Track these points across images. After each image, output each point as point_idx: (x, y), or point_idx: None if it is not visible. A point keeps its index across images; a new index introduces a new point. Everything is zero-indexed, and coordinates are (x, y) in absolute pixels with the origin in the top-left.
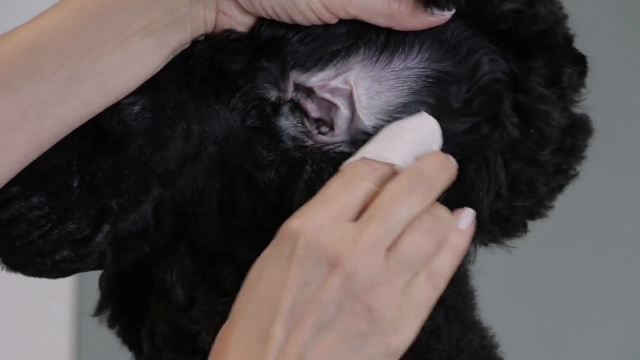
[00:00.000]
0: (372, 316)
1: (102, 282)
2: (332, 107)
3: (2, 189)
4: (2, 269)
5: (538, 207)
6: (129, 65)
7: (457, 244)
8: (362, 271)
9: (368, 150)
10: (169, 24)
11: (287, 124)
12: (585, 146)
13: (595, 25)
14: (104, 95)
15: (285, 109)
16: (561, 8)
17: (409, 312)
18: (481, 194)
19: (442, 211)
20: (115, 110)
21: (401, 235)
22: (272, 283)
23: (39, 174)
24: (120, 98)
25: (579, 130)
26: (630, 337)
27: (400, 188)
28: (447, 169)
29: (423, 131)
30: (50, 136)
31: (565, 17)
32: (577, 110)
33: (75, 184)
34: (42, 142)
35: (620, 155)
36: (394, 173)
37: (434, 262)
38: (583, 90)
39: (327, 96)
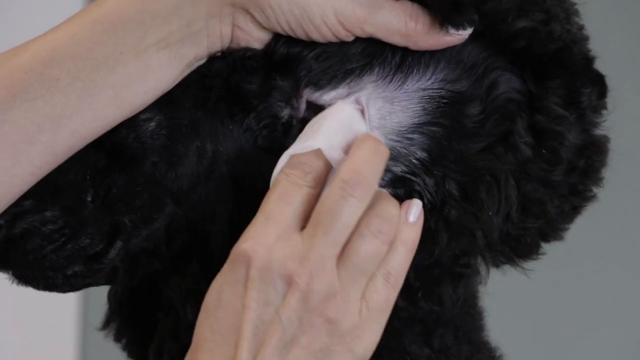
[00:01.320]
0: (331, 327)
1: (111, 296)
2: None
3: (15, 202)
4: (13, 282)
5: (549, 229)
6: (143, 77)
7: (409, 238)
8: (317, 285)
9: (292, 149)
10: (184, 37)
11: None
12: (601, 167)
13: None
14: (118, 107)
15: (295, 131)
16: (581, 29)
17: (369, 316)
18: (490, 213)
19: (389, 206)
20: (131, 125)
21: (350, 240)
22: (232, 309)
23: (52, 187)
24: (136, 111)
25: (594, 151)
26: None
27: (336, 195)
28: (378, 154)
29: (341, 116)
30: (65, 148)
31: (585, 38)
32: (598, 132)
33: (89, 199)
34: (57, 154)
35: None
36: (325, 167)
37: (388, 262)
38: (604, 112)
39: None
